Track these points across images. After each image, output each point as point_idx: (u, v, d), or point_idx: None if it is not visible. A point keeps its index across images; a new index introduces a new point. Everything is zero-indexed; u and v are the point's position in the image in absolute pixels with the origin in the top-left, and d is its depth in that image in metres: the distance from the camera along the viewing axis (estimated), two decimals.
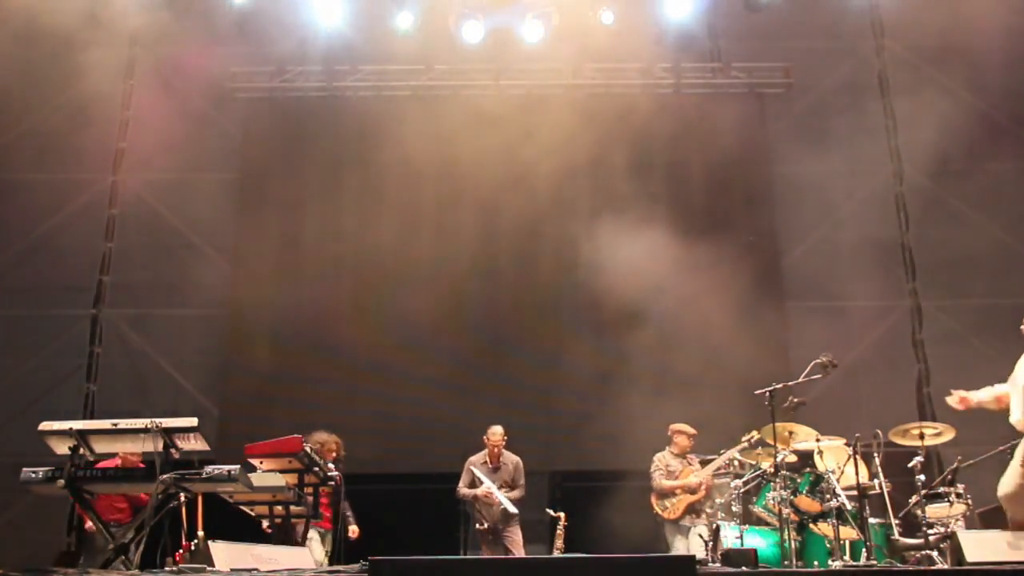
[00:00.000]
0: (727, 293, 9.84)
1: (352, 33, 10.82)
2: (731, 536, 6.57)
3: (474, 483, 7.75)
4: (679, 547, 7.40)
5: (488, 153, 10.36)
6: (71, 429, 5.43)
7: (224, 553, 5.16)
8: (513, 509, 7.60)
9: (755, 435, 7.03)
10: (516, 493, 7.74)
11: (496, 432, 7.85)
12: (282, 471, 6.24)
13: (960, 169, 10.57)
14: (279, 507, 6.41)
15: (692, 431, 7.74)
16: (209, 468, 5.32)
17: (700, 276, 9.77)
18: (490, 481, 7.69)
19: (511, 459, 7.89)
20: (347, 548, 7.09)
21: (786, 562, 5.99)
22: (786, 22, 10.65)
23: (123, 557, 5.14)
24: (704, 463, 7.56)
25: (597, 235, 10.39)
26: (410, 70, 10.92)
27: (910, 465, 6.70)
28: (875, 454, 6.58)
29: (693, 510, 7.47)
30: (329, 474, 6.75)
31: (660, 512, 7.53)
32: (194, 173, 10.66)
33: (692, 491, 7.46)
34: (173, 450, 5.39)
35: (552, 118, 10.71)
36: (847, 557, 6.20)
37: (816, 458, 6.63)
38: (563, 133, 10.72)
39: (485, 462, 7.85)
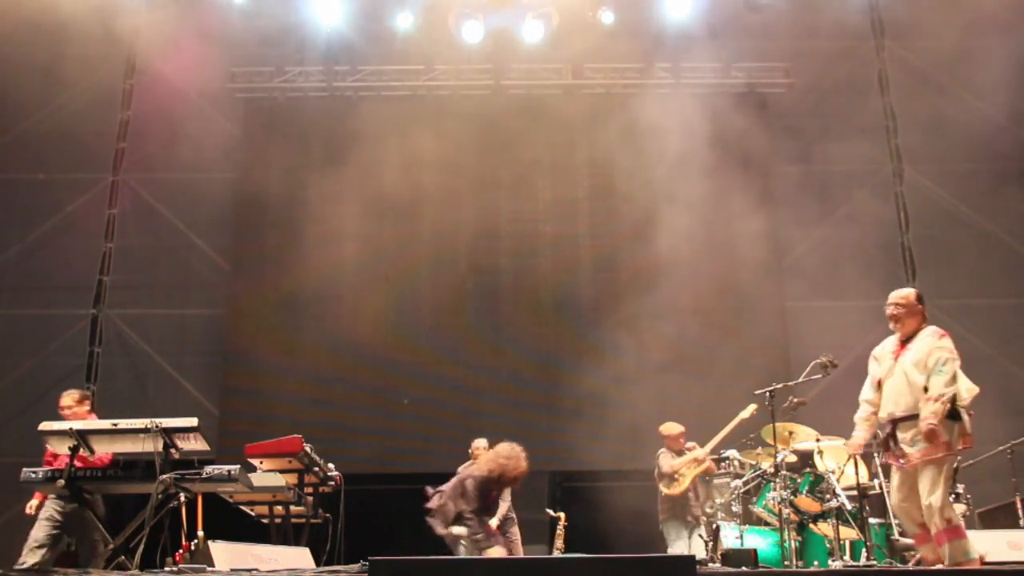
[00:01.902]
0: (727, 293, 9.85)
1: (352, 33, 10.84)
2: (731, 536, 6.56)
3: None
4: (679, 546, 7.31)
5: (488, 153, 10.37)
6: (71, 429, 5.44)
7: (224, 553, 5.17)
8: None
9: (754, 408, 7.11)
10: (502, 508, 7.63)
11: (480, 445, 7.79)
12: (282, 471, 6.24)
13: (960, 169, 10.58)
14: (279, 507, 6.41)
15: (678, 427, 7.67)
16: (209, 468, 5.32)
17: (700, 276, 9.78)
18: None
19: None
20: None
21: (786, 562, 5.99)
22: (786, 22, 10.66)
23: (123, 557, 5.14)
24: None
25: (597, 235, 10.41)
26: (410, 70, 10.93)
27: None
28: (875, 454, 6.57)
29: (695, 496, 7.41)
30: (329, 474, 6.75)
31: (667, 491, 7.38)
32: (194, 173, 10.66)
33: (699, 462, 7.37)
34: (173, 450, 5.39)
35: (552, 118, 10.72)
36: (847, 557, 6.20)
37: (816, 458, 6.62)
38: (563, 133, 10.74)
39: None
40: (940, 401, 4.93)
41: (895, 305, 5.38)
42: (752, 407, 7.20)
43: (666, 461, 7.54)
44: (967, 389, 5.06)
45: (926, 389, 5.02)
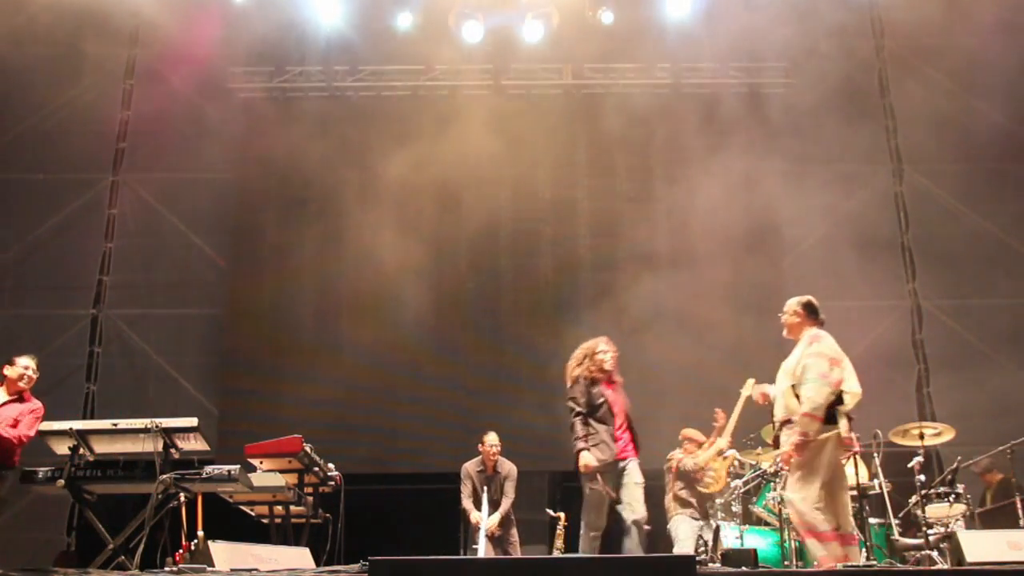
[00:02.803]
0: (727, 293, 9.83)
1: (352, 33, 10.83)
2: (731, 536, 6.56)
3: (475, 492, 7.71)
4: (684, 541, 7.26)
5: (488, 153, 10.36)
6: (71, 429, 5.44)
7: (224, 553, 5.16)
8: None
9: (752, 381, 7.03)
10: (505, 504, 7.64)
11: (491, 439, 7.81)
12: (282, 471, 6.24)
13: (960, 169, 10.58)
14: (279, 507, 6.41)
15: (702, 439, 7.65)
16: (209, 468, 5.32)
17: (699, 276, 9.77)
18: (484, 490, 7.62)
19: (504, 467, 7.75)
20: None
21: (786, 562, 5.99)
22: (786, 22, 10.64)
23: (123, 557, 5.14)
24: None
25: (597, 235, 10.40)
26: (410, 70, 10.93)
27: (910, 465, 6.71)
28: (875, 454, 6.58)
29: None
30: (329, 474, 6.75)
31: (705, 490, 7.29)
32: (194, 173, 10.66)
33: (722, 452, 7.28)
34: (173, 450, 5.39)
35: (552, 118, 10.72)
36: None
37: None
38: (563, 133, 10.75)
39: (481, 470, 7.77)
40: (809, 415, 5.08)
41: (782, 314, 5.69)
42: (750, 381, 7.17)
43: (690, 460, 7.48)
44: (851, 393, 5.18)
45: (797, 396, 5.21)
